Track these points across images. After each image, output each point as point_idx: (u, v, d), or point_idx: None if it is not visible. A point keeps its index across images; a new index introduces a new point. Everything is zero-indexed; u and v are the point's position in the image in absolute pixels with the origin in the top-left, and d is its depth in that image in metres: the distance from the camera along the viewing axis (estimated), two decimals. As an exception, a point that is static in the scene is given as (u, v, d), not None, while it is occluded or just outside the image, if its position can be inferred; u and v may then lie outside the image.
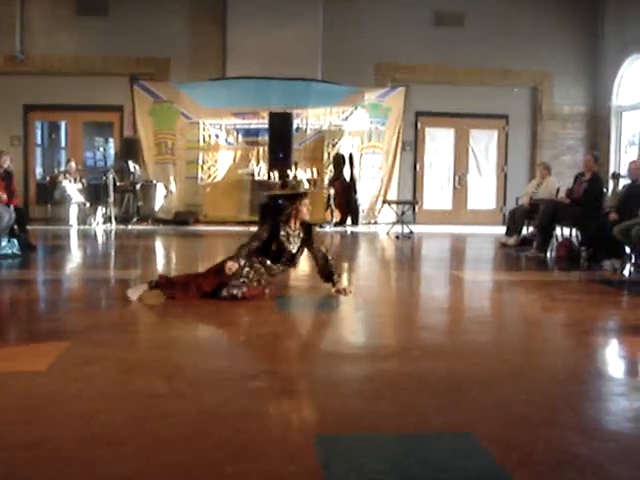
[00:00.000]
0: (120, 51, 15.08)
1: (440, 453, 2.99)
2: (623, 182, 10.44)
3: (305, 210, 6.44)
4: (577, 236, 10.10)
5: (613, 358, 5.01)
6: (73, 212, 14.05)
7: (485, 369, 4.36)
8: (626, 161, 12.79)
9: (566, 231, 10.54)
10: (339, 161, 14.86)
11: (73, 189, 14.13)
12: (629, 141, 15.89)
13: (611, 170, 14.55)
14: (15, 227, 9.65)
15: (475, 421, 3.39)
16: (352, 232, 13.65)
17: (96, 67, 15.18)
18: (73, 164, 14.50)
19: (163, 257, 10.93)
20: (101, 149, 16.04)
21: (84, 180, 14.58)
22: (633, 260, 8.40)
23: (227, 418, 3.36)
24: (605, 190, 10.86)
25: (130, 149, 15.01)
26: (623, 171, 11.59)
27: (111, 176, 13.94)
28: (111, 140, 16.27)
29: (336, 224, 14.58)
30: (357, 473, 2.78)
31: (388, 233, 13.55)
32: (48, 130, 17.03)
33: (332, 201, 14.63)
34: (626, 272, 8.54)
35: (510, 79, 16.25)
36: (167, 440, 3.07)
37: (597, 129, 16.36)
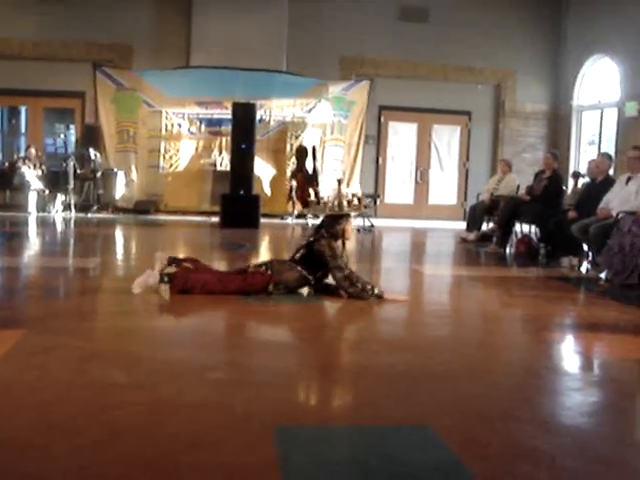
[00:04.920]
0: (82, 37, 14.86)
1: (398, 445, 3.00)
2: (583, 181, 10.57)
3: (350, 229, 6.40)
4: (536, 233, 10.21)
5: (569, 354, 5.07)
6: (32, 199, 13.85)
7: (443, 363, 4.39)
8: (586, 160, 12.94)
9: (525, 228, 10.65)
10: (302, 153, 14.84)
11: (32, 176, 13.93)
12: (589, 140, 16.09)
13: (571, 168, 14.73)
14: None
15: (433, 414, 3.41)
16: (313, 224, 13.62)
17: (57, 52, 14.95)
18: (33, 150, 14.30)
19: (122, 246, 10.83)
20: (62, 136, 15.83)
21: (44, 167, 14.34)
22: (590, 257, 8.51)
23: (185, 409, 3.34)
24: (565, 188, 10.99)
25: (91, 136, 14.85)
26: (583, 170, 11.73)
27: (71, 163, 13.77)
28: (72, 127, 16.06)
29: (297, 216, 14.57)
30: (315, 465, 2.78)
31: (349, 226, 13.53)
32: (8, 115, 16.78)
33: (294, 193, 14.63)
34: (583, 269, 8.66)
35: (473, 76, 16.35)
36: (123, 430, 3.04)
37: (558, 128, 16.54)
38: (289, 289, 6.20)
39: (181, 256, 6.61)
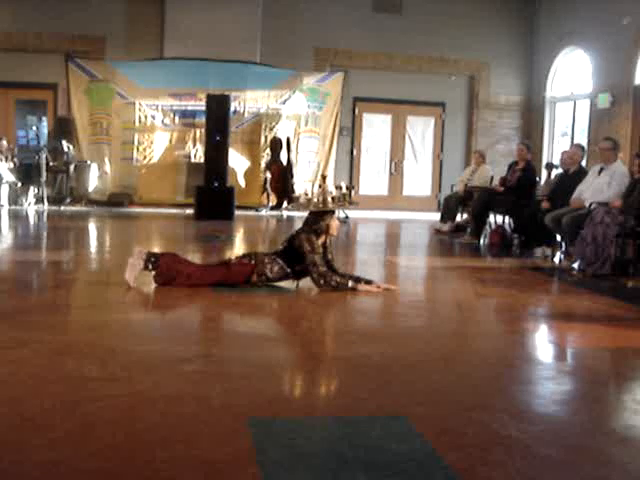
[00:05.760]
0: (55, 28, 14.69)
1: (374, 436, 3.01)
2: (556, 172, 10.65)
3: (335, 226, 6.38)
4: (510, 223, 10.27)
5: (542, 343, 5.11)
6: (4, 192, 13.69)
7: (418, 353, 4.42)
8: (559, 151, 13.03)
9: (499, 218, 10.70)
10: (276, 145, 14.82)
11: (4, 168, 13.78)
12: (562, 132, 16.19)
13: (544, 159, 14.83)
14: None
15: (408, 404, 3.43)
16: (288, 216, 13.63)
17: (30, 44, 14.77)
18: (5, 142, 14.13)
19: (96, 239, 10.75)
20: (34, 128, 15.68)
21: (16, 159, 14.21)
22: (563, 248, 8.58)
23: (160, 402, 3.33)
24: (538, 179, 11.07)
25: (64, 128, 14.74)
26: (556, 161, 11.82)
27: (44, 156, 13.64)
28: (44, 119, 15.89)
29: (272, 208, 14.57)
30: (291, 456, 2.78)
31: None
32: (-22, 107, 16.57)
33: (268, 185, 14.64)
34: (556, 259, 8.72)
35: (448, 67, 16.38)
36: (98, 424, 3.03)
37: (531, 119, 16.62)
38: (270, 281, 6.22)
39: (159, 251, 6.58)
